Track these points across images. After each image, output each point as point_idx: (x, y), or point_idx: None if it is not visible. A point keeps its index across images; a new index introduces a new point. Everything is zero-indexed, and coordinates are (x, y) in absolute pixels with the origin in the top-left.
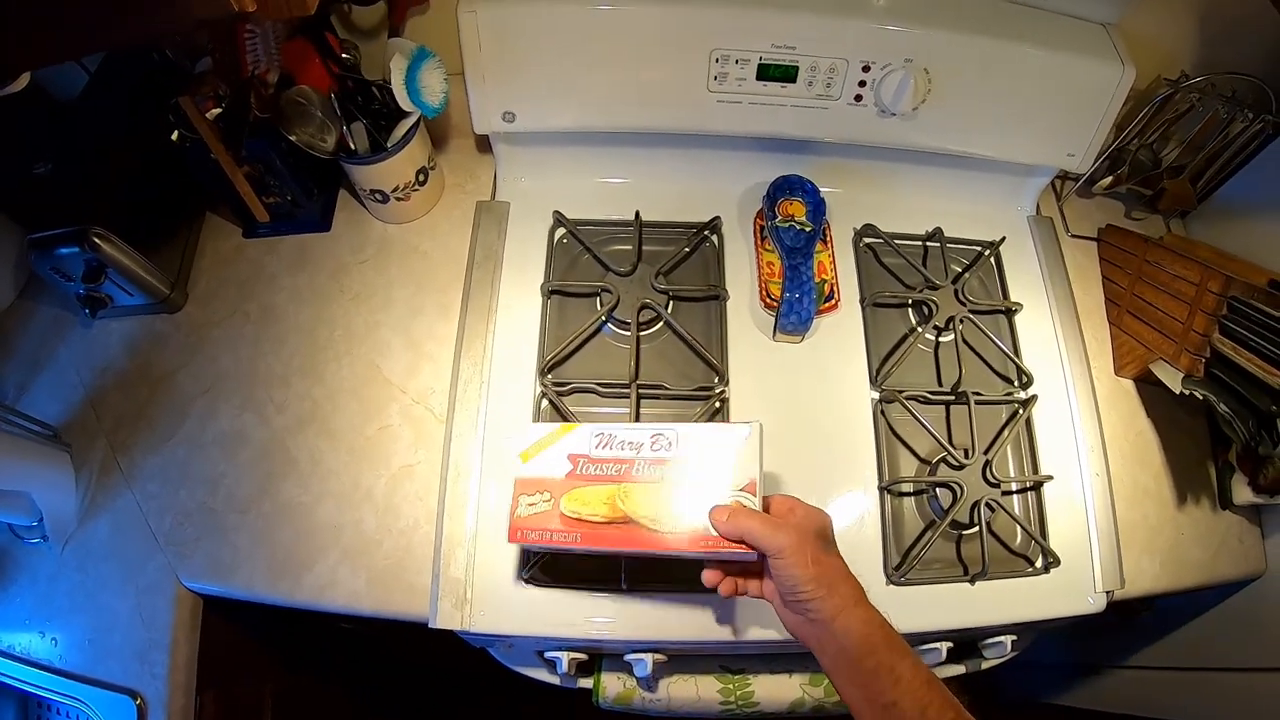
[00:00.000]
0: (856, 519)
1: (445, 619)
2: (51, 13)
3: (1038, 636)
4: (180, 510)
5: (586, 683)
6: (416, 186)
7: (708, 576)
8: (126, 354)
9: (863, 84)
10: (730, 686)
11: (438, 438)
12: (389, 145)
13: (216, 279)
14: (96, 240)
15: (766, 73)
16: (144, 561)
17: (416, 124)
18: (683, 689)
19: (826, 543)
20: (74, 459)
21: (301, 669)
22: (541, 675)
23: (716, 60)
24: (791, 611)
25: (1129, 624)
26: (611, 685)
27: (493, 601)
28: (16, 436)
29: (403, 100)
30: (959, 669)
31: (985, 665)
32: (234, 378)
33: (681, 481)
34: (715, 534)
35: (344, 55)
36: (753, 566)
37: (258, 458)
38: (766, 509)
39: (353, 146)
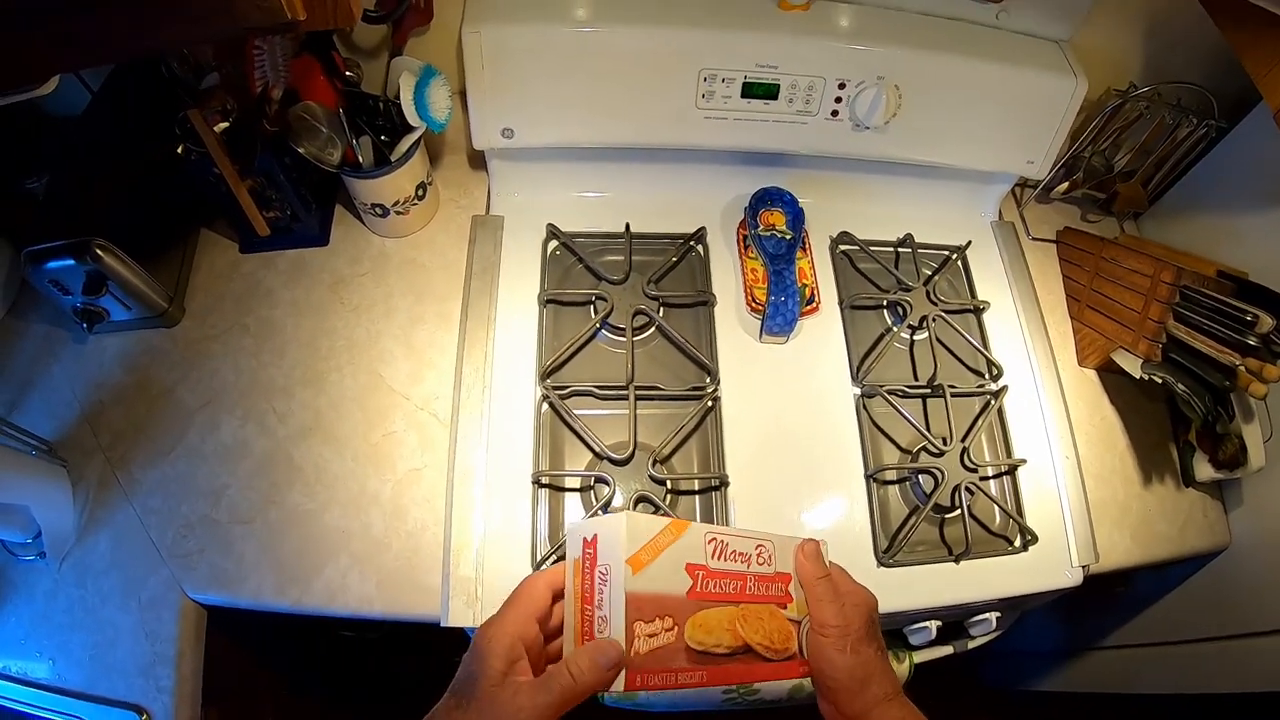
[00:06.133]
0: (846, 507)
1: (456, 617)
2: (98, 15)
3: (1024, 617)
4: (183, 523)
5: None
6: (415, 201)
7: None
8: (123, 369)
9: (839, 100)
10: None
11: (443, 442)
12: (393, 159)
13: (213, 293)
14: (99, 252)
15: (751, 90)
16: (146, 575)
17: (419, 140)
18: None
19: (872, 629)
20: (71, 474)
21: (304, 689)
22: None
23: (704, 79)
24: (822, 697)
25: (1108, 603)
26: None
27: (504, 598)
28: (11, 449)
29: (411, 116)
30: (947, 649)
31: (973, 645)
32: (235, 390)
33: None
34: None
35: (348, 73)
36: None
37: (261, 468)
38: None
39: (359, 160)
